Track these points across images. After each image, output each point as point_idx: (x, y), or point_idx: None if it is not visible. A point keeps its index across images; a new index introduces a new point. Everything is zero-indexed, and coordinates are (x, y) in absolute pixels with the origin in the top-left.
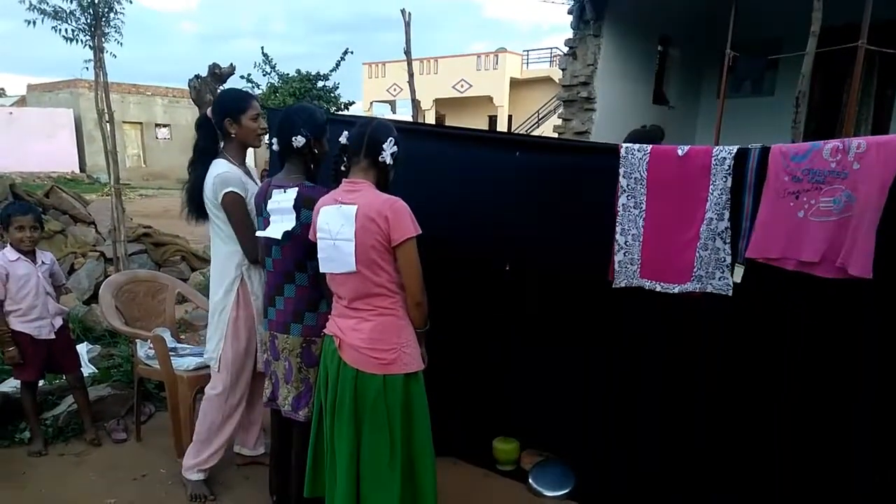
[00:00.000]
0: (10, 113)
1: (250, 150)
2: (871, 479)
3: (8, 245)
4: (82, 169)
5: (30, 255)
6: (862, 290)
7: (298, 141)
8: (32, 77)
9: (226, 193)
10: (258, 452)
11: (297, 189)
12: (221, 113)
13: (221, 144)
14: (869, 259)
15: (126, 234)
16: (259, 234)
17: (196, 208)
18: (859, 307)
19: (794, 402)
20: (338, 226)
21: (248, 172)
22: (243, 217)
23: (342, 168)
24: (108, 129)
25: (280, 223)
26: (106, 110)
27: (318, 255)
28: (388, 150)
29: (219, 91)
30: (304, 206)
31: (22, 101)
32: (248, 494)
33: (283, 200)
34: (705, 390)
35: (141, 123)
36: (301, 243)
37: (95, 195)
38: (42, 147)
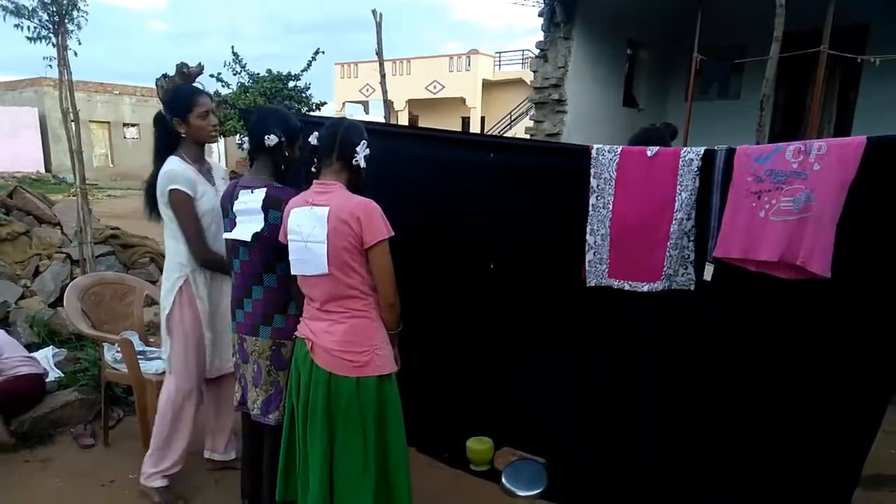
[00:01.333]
0: None
1: (223, 151)
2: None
3: None
4: (48, 169)
5: None
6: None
7: (270, 140)
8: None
9: (171, 190)
10: (230, 457)
11: (265, 189)
12: (169, 113)
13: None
14: (828, 257)
15: (93, 236)
16: (226, 235)
17: (152, 205)
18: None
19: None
20: (309, 228)
21: (209, 170)
22: (189, 215)
23: (312, 169)
24: (74, 128)
25: (247, 224)
26: (70, 109)
27: (290, 257)
28: (362, 152)
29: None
30: (272, 207)
31: None
32: (218, 499)
33: (250, 201)
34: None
35: (108, 123)
36: (269, 245)
37: (62, 196)
38: (5, 147)
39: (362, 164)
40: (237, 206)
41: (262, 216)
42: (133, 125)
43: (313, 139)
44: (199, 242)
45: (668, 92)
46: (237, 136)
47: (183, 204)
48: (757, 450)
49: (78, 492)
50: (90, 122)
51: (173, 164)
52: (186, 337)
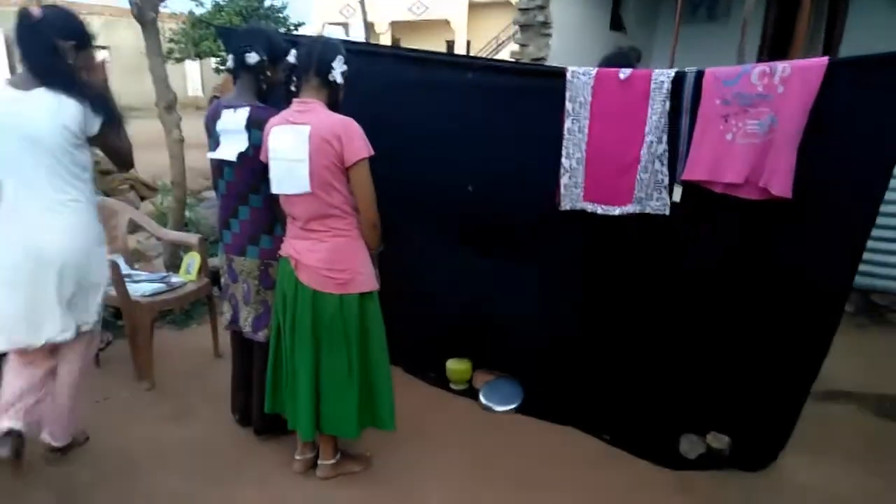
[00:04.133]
0: None
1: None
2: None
3: None
4: None
5: None
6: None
7: (252, 57)
8: None
9: None
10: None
11: (248, 109)
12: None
13: None
14: (789, 179)
15: None
16: (210, 155)
17: None
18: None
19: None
20: (290, 146)
21: None
22: None
23: (292, 88)
24: None
25: (231, 144)
26: None
27: (271, 176)
28: (338, 68)
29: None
30: (255, 127)
31: None
32: (210, 416)
33: (233, 121)
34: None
35: None
36: (254, 165)
37: None
38: None
39: (339, 79)
40: (220, 125)
41: (245, 136)
42: (103, 48)
43: (292, 57)
44: None
45: (657, 15)
46: (213, 60)
47: None
48: (716, 365)
49: None
50: None
51: None
52: None
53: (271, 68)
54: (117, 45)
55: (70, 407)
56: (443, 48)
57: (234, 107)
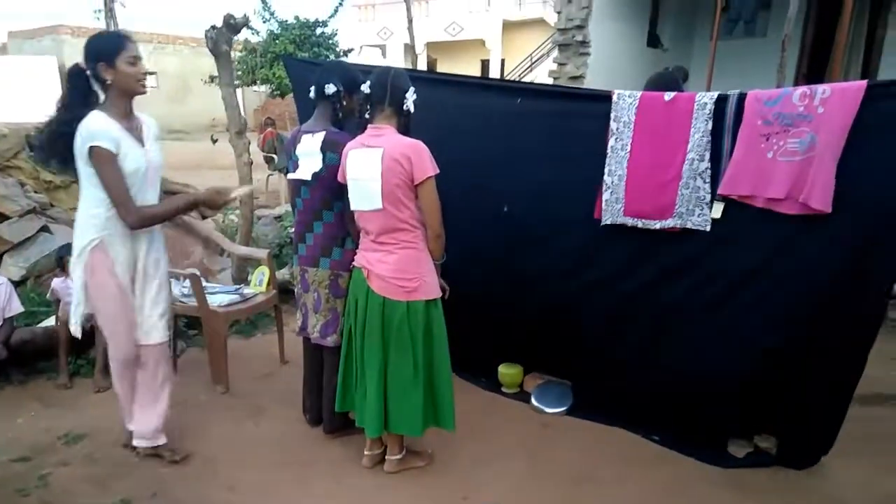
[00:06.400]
0: None
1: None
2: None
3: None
4: None
5: None
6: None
7: (330, 88)
8: (13, 23)
9: (91, 148)
10: (157, 442)
11: (323, 133)
12: (93, 58)
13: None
14: (829, 194)
15: None
16: (289, 176)
17: (60, 159)
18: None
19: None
20: (365, 167)
21: (138, 127)
22: (111, 173)
23: (366, 115)
24: None
25: (308, 165)
26: None
27: (349, 195)
28: (411, 98)
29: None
30: (329, 149)
31: (2, 50)
32: (282, 416)
33: (311, 144)
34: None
35: None
36: (327, 184)
37: None
38: (27, 97)
39: (411, 108)
40: (299, 149)
41: (320, 157)
42: (151, 73)
43: (366, 87)
44: (124, 200)
45: (694, 31)
46: (266, 86)
47: (105, 160)
48: (762, 371)
49: None
50: None
51: (95, 118)
52: (93, 305)
53: (347, 98)
54: (163, 69)
55: None
56: (478, 67)
57: (313, 132)
